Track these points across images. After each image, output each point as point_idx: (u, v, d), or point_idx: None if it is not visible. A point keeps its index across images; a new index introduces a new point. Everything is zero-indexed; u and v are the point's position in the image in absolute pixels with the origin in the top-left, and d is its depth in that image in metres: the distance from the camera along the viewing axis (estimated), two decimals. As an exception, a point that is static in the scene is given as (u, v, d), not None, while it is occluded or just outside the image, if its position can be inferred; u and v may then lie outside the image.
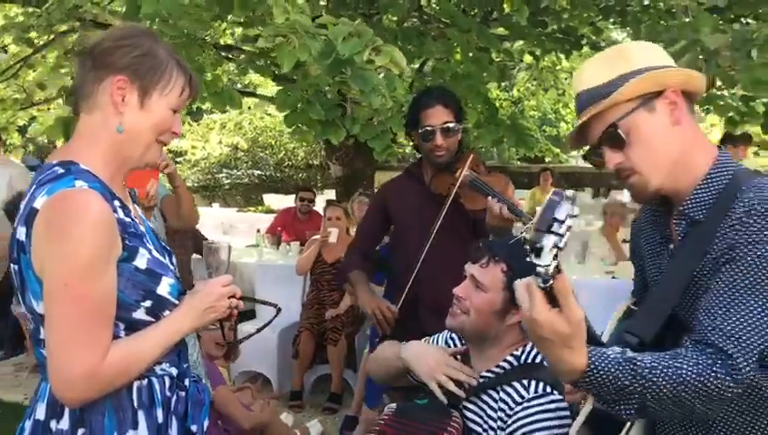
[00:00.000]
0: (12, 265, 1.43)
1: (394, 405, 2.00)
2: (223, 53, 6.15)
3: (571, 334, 1.14)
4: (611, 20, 5.55)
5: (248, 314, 5.37)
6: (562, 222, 1.05)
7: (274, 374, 5.16)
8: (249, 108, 13.63)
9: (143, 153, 1.52)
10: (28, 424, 1.46)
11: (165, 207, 3.36)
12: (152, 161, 1.57)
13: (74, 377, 1.35)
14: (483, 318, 1.88)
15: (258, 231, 7.33)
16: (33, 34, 5.81)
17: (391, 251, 3.14)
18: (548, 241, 1.05)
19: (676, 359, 1.22)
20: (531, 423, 1.75)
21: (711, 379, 1.19)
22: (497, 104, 14.08)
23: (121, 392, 1.45)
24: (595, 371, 1.19)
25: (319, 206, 7.17)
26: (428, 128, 2.73)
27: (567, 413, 1.75)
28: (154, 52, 1.48)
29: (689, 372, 1.20)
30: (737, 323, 1.22)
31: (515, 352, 1.89)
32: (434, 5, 5.64)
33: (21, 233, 1.38)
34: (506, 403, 1.83)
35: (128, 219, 1.46)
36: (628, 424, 1.30)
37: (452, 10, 5.05)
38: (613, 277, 5.02)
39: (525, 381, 1.83)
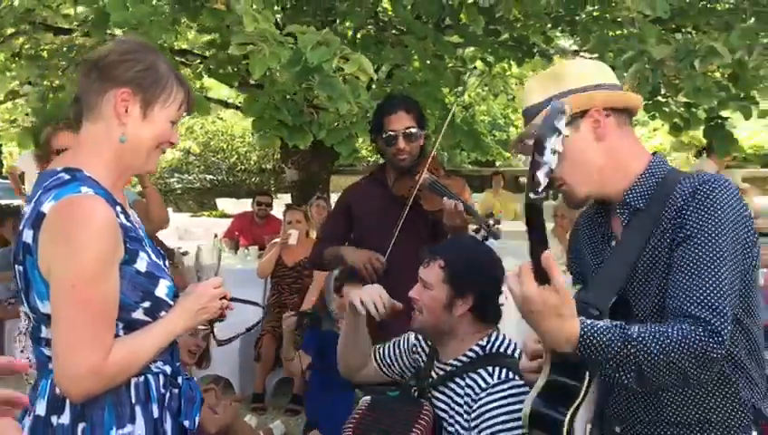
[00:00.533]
0: (16, 266, 1.49)
1: (368, 398, 2.11)
2: (177, 58, 6.15)
3: (560, 303, 1.26)
4: (560, 29, 5.76)
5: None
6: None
7: (237, 377, 5.18)
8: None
9: (144, 162, 1.60)
10: (27, 421, 1.51)
11: (135, 211, 3.38)
12: (152, 170, 1.65)
13: (80, 374, 1.42)
14: (434, 314, 2.02)
15: (216, 236, 7.32)
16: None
17: None
18: (548, 143, 1.21)
19: (661, 326, 1.33)
20: (495, 408, 1.88)
21: (696, 340, 1.29)
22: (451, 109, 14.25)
23: (120, 389, 1.52)
24: (588, 335, 1.29)
25: (275, 210, 7.21)
26: (391, 133, 2.84)
27: None
28: (156, 66, 1.56)
29: (675, 335, 1.30)
30: (710, 293, 1.33)
31: (480, 342, 2.03)
32: (390, 13, 5.77)
33: (27, 236, 1.44)
34: (472, 389, 1.96)
35: (128, 224, 1.54)
36: (580, 396, 1.39)
37: (408, 18, 5.19)
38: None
39: (490, 368, 1.96)
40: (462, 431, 1.96)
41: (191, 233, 9.73)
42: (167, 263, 1.69)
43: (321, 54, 2.97)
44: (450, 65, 7.07)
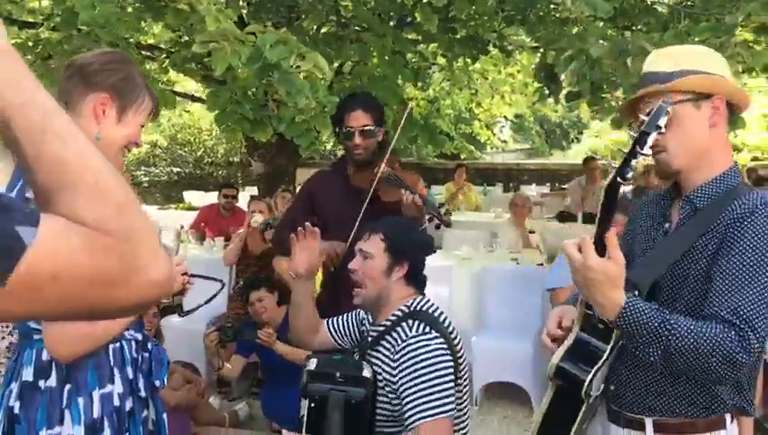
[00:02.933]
0: None
1: (315, 359, 2.35)
2: (144, 53, 6.28)
3: (619, 274, 1.42)
4: (512, 27, 6.01)
5: (177, 310, 5.53)
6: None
7: (203, 363, 5.34)
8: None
9: (112, 160, 1.80)
10: (15, 386, 1.69)
11: None
12: (117, 168, 1.85)
13: (69, 337, 1.61)
14: (376, 282, 2.30)
15: (182, 227, 7.42)
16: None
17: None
18: (650, 138, 1.40)
19: (698, 321, 1.45)
20: (413, 358, 2.12)
21: (727, 341, 1.40)
22: (415, 103, 14.50)
23: (100, 353, 1.73)
24: (632, 307, 1.44)
25: (241, 202, 7.34)
26: (349, 129, 3.03)
27: (445, 349, 2.13)
28: (133, 77, 1.79)
29: (709, 331, 1.42)
30: (747, 303, 1.43)
31: (407, 303, 2.30)
32: (350, 11, 5.96)
33: None
34: (396, 342, 2.22)
35: None
36: (604, 358, 1.59)
37: (367, 16, 5.38)
38: (517, 263, 5.48)
39: (410, 322, 2.23)
40: (390, 382, 2.21)
41: (162, 226, 9.78)
42: None
43: (279, 52, 3.17)
44: (414, 60, 7.30)
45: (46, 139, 0.74)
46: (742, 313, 1.44)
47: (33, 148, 0.73)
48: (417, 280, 2.36)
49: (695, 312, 1.54)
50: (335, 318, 2.59)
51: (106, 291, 0.71)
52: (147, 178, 17.34)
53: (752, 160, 15.83)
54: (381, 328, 2.32)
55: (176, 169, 17.44)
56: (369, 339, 2.37)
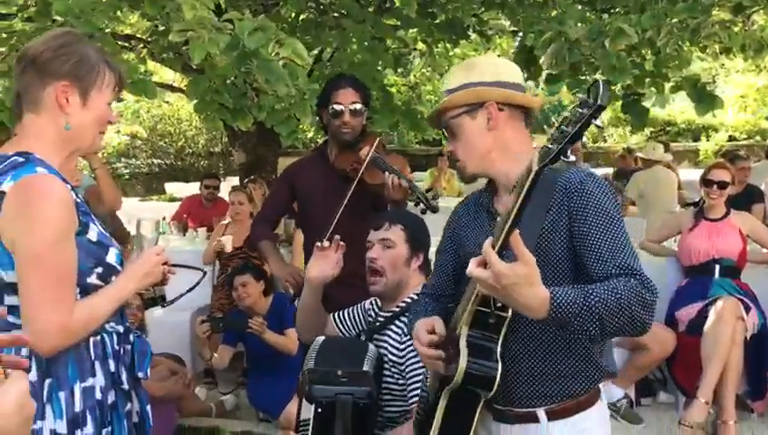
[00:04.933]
0: None
1: (321, 338, 2.39)
2: (120, 43, 6.19)
3: (530, 272, 1.39)
4: (493, 10, 6.00)
5: (159, 301, 5.54)
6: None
7: (188, 355, 5.32)
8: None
9: (90, 143, 1.79)
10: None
11: (89, 196, 3.52)
12: (97, 149, 1.84)
13: (50, 331, 1.61)
14: (397, 270, 2.39)
15: (164, 218, 7.40)
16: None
17: (298, 224, 3.45)
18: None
19: (605, 283, 1.52)
20: None
21: (635, 287, 1.50)
22: (395, 90, 14.44)
23: (80, 347, 1.71)
24: (558, 296, 1.45)
25: (223, 192, 7.31)
26: (337, 107, 3.01)
27: None
28: (88, 56, 1.73)
29: (620, 285, 1.50)
30: (623, 255, 1.56)
31: (416, 290, 2.32)
32: (329, -3, 5.92)
33: None
34: (405, 325, 2.26)
35: (78, 200, 1.72)
36: (499, 351, 1.61)
37: (347, 2, 5.35)
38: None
39: None
40: (397, 363, 2.28)
41: (139, 218, 9.72)
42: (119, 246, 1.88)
43: (257, 40, 3.14)
44: (394, 47, 7.26)
45: None
46: (626, 264, 1.56)
47: None
48: (427, 269, 2.45)
49: (560, 283, 1.59)
50: (341, 312, 2.63)
51: None
52: (127, 170, 17.22)
53: (728, 141, 16.02)
54: (390, 313, 2.40)
55: (156, 161, 17.33)
56: (378, 323, 2.43)
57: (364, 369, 2.17)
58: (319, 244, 2.44)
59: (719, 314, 3.98)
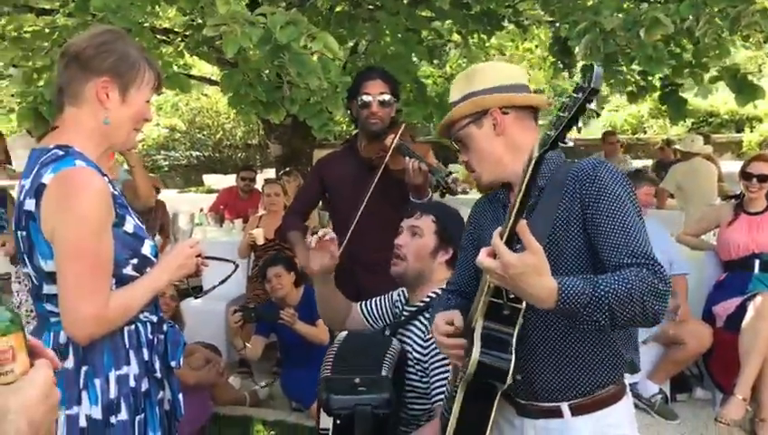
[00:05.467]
0: (18, 232, 1.72)
1: (345, 332, 2.40)
2: (159, 37, 6.30)
3: (538, 262, 1.39)
4: (528, 1, 5.94)
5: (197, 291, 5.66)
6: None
7: (223, 344, 5.42)
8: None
9: (125, 139, 1.84)
10: (60, 366, 1.73)
11: (125, 190, 3.61)
12: (131, 146, 1.89)
13: (86, 319, 1.66)
14: (420, 259, 2.37)
15: (201, 210, 7.52)
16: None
17: (330, 215, 3.49)
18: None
19: (616, 273, 1.50)
20: None
21: (647, 277, 1.48)
22: (431, 81, 14.38)
23: (116, 336, 1.76)
24: (566, 286, 1.43)
25: (260, 184, 7.40)
26: (366, 97, 3.05)
27: None
28: (128, 54, 1.78)
29: (631, 275, 1.48)
30: (636, 244, 1.55)
31: (441, 286, 2.29)
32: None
33: (30, 204, 1.67)
34: (429, 323, 2.23)
35: (116, 192, 1.77)
36: (514, 342, 1.60)
37: (381, -6, 5.35)
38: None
39: None
40: (421, 361, 2.27)
41: (178, 209, 9.90)
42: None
43: (289, 33, 3.18)
44: (429, 38, 7.23)
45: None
46: (639, 253, 1.54)
47: None
48: (455, 264, 2.40)
49: (579, 273, 1.60)
50: (368, 301, 2.64)
51: None
52: (166, 163, 17.48)
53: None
54: (415, 308, 2.38)
55: (195, 153, 17.55)
56: (403, 317, 2.43)
57: (383, 374, 2.14)
58: (309, 238, 2.49)
59: (758, 309, 3.90)
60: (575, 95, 1.32)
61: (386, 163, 2.97)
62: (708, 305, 4.34)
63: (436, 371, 2.21)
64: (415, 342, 2.32)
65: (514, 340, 1.60)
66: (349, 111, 3.26)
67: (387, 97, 3.06)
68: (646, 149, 14.43)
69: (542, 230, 1.61)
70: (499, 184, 1.82)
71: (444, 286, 2.26)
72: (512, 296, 1.55)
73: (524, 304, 1.57)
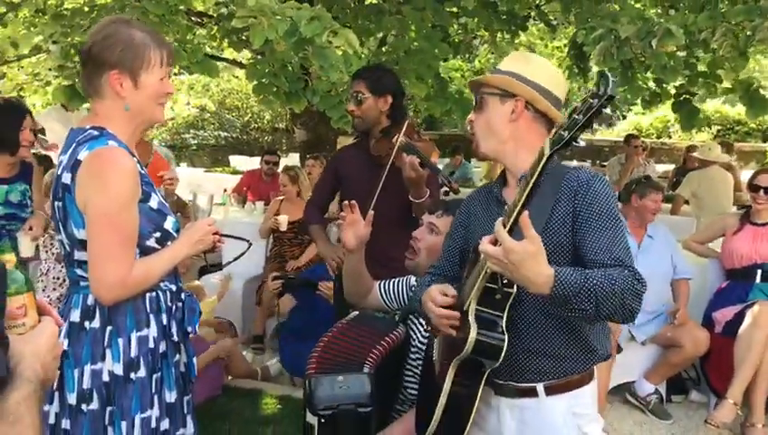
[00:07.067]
0: (55, 202, 1.91)
1: (356, 312, 2.55)
2: (194, 19, 6.49)
3: (537, 250, 1.55)
4: (553, 3, 6.02)
5: (217, 267, 5.90)
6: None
7: (240, 321, 5.63)
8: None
9: (152, 116, 2.02)
10: (64, 326, 1.92)
11: None
12: (160, 120, 2.07)
13: (112, 283, 1.86)
14: (433, 257, 2.43)
15: (225, 190, 7.72)
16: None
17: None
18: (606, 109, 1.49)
19: (602, 270, 1.67)
20: None
21: (628, 278, 1.65)
22: (459, 74, 14.41)
23: (138, 300, 1.95)
24: (561, 275, 1.59)
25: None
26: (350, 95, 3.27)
27: None
28: (132, 42, 1.92)
29: (614, 273, 1.65)
30: (620, 251, 1.72)
31: None
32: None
33: (66, 178, 1.86)
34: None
35: (142, 171, 1.95)
36: (504, 321, 1.75)
37: (408, -11, 5.46)
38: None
39: None
40: (420, 350, 2.42)
41: (203, 188, 10.12)
42: (178, 214, 2.11)
43: (313, 28, 3.34)
44: (459, 32, 7.32)
45: None
46: (619, 257, 1.72)
47: None
48: None
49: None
50: (386, 281, 2.74)
51: None
52: (195, 142, 17.76)
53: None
54: None
55: (223, 134, 17.81)
56: (415, 304, 2.55)
57: (365, 371, 2.26)
58: (342, 214, 2.55)
59: (755, 317, 4.00)
60: (591, 100, 1.44)
61: (393, 161, 3.10)
62: (708, 311, 4.44)
63: None
64: (418, 330, 2.47)
65: (504, 321, 1.75)
66: None
67: (361, 96, 3.22)
68: (670, 153, 14.37)
69: (536, 223, 1.74)
70: (490, 159, 1.93)
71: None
72: (505, 282, 1.71)
73: (515, 288, 1.72)
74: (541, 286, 1.59)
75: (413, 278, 2.69)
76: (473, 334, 1.75)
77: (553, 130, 1.53)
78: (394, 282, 2.73)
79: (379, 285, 2.73)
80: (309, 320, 4.46)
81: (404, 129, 3.10)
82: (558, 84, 1.94)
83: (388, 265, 2.84)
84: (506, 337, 1.74)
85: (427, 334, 2.38)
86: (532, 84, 1.88)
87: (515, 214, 1.55)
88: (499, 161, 1.97)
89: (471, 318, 1.78)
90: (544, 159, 1.50)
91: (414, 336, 2.47)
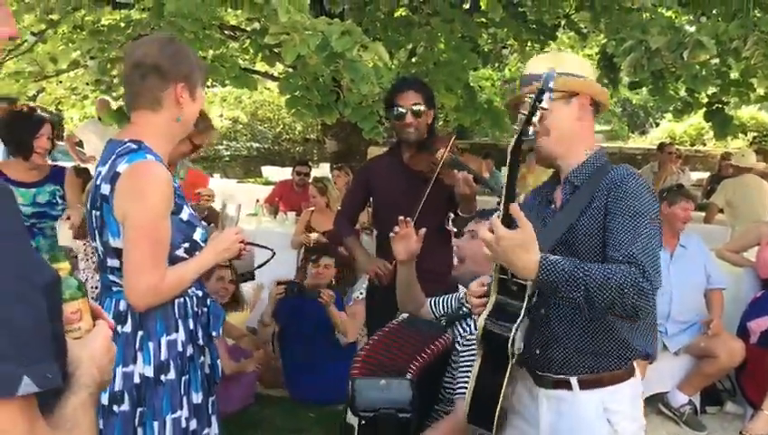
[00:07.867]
0: (93, 211, 2.00)
1: (406, 315, 2.59)
2: (227, 32, 6.62)
3: (528, 238, 1.62)
4: (582, 12, 6.01)
5: (247, 276, 5.99)
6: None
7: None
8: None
9: (186, 131, 2.14)
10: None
11: None
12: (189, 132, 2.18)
13: (145, 290, 1.94)
14: (477, 263, 2.49)
15: (257, 201, 7.83)
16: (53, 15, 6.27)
17: (375, 224, 3.68)
18: (545, 95, 1.61)
19: (602, 263, 1.70)
20: None
21: (631, 274, 1.64)
22: (489, 83, 14.39)
23: (167, 306, 2.03)
24: (547, 260, 1.64)
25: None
26: (400, 109, 3.20)
27: None
28: (191, 58, 2.07)
29: (615, 268, 1.66)
30: (637, 247, 1.70)
31: None
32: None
33: (105, 189, 1.94)
34: (470, 330, 2.44)
35: (176, 185, 2.03)
36: (521, 315, 1.78)
37: (438, 2, 5.52)
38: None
39: None
40: (459, 353, 2.44)
41: (235, 198, 10.24)
42: (211, 224, 2.20)
43: (344, 43, 3.41)
44: (489, 42, 7.35)
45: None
46: (632, 254, 1.69)
47: None
48: None
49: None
50: (437, 298, 2.78)
51: None
52: (228, 153, 18.00)
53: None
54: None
55: (255, 145, 18.03)
56: (461, 312, 2.59)
57: (407, 377, 2.31)
58: (396, 229, 2.59)
59: (791, 327, 3.95)
60: (532, 96, 1.60)
61: (438, 177, 3.09)
62: (744, 321, 4.38)
63: (464, 366, 2.36)
64: (460, 335, 2.50)
65: (522, 312, 1.78)
66: (389, 122, 3.43)
67: (420, 108, 3.18)
68: (704, 161, 14.19)
69: (567, 219, 1.85)
70: (549, 163, 1.96)
71: None
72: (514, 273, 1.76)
73: (529, 281, 1.75)
74: (528, 272, 1.66)
75: (462, 291, 2.70)
76: (480, 321, 1.82)
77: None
78: (444, 298, 2.76)
79: (430, 301, 2.77)
80: (310, 352, 4.47)
81: (450, 144, 3.10)
82: (590, 71, 1.98)
83: (424, 276, 2.86)
84: (514, 328, 1.76)
85: (472, 337, 2.40)
86: (580, 77, 1.90)
87: (503, 205, 1.67)
88: (557, 160, 1.95)
89: (489, 303, 1.85)
90: (509, 156, 1.68)
91: (458, 340, 2.51)
